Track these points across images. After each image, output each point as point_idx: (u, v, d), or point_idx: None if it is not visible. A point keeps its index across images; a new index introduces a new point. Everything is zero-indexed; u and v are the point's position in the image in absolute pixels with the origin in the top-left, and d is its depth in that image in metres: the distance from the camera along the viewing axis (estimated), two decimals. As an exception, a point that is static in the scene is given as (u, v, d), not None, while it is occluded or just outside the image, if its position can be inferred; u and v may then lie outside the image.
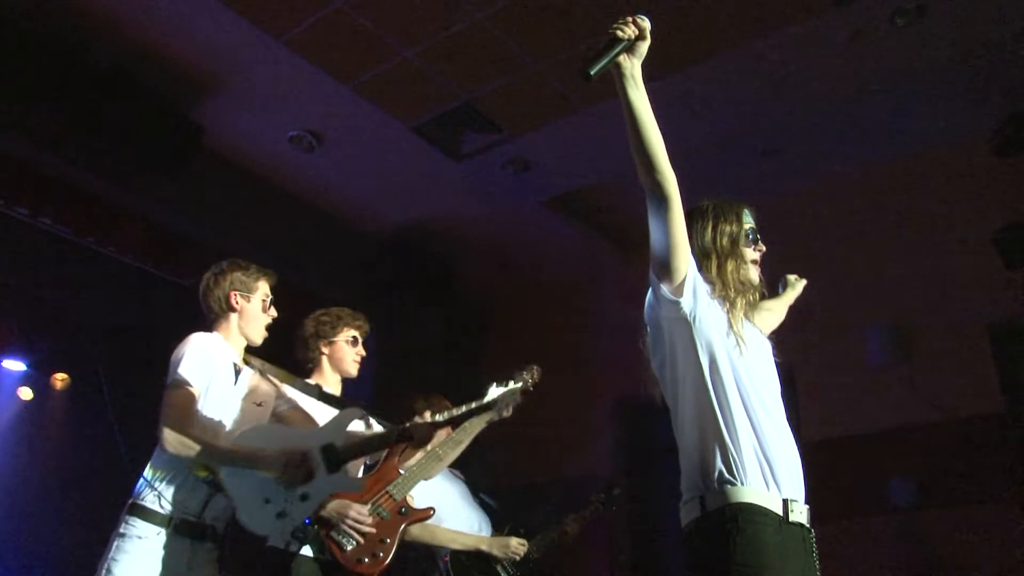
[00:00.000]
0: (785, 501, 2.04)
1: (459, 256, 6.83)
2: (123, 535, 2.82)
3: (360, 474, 3.49)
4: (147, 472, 2.93)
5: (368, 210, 6.35)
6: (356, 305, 6.79)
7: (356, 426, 3.27)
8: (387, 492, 3.36)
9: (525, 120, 5.30)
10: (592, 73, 2.00)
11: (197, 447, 2.79)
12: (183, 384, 2.89)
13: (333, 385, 3.56)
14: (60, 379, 6.95)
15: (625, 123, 2.06)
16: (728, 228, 2.32)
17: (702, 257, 2.28)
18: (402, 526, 3.32)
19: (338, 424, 3.15)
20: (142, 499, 2.87)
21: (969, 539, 4.76)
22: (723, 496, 2.01)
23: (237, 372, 3.13)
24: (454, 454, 3.79)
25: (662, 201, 2.07)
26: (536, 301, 7.19)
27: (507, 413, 3.75)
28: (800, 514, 2.06)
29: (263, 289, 3.28)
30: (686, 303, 2.13)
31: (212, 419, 2.98)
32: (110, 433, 5.32)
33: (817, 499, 4.85)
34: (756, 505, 2.00)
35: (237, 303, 3.22)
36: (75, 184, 5.44)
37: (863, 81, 4.85)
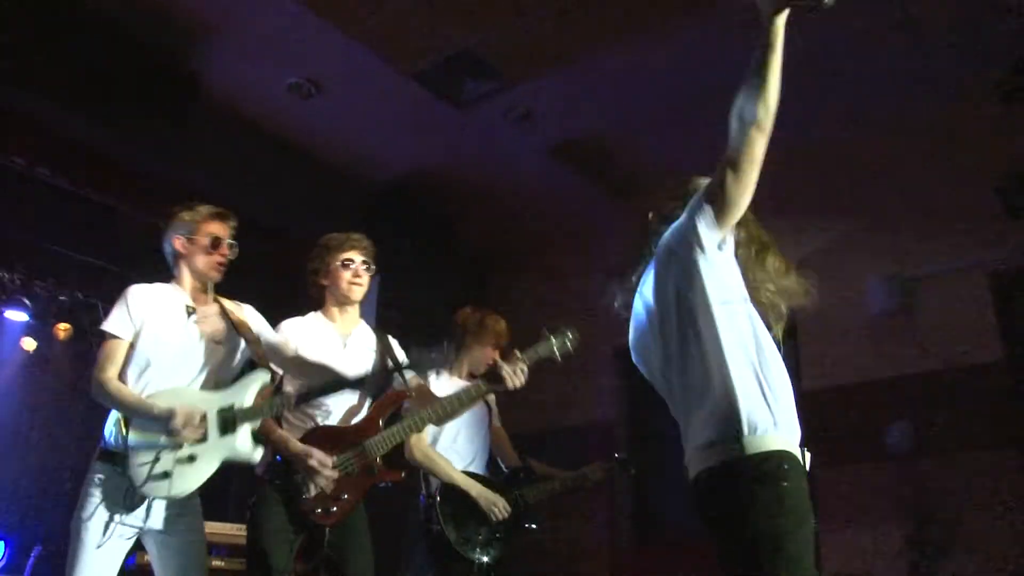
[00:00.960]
0: (802, 448, 2.07)
1: (460, 206, 6.82)
2: (88, 479, 2.96)
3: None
4: (109, 417, 3.07)
5: (368, 159, 6.33)
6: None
7: (257, 386, 3.13)
8: (362, 447, 3.32)
9: (527, 67, 5.27)
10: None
11: (111, 395, 2.94)
12: (107, 335, 3.04)
13: (344, 318, 3.59)
14: (63, 329, 6.99)
15: (760, 63, 2.10)
16: None
17: None
18: (368, 485, 3.31)
19: (243, 386, 3.10)
20: (104, 443, 3.02)
21: (964, 485, 4.85)
22: (763, 441, 1.99)
23: (190, 313, 3.15)
24: (440, 424, 3.72)
25: (764, 143, 2.09)
26: (538, 251, 7.20)
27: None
28: (807, 462, 2.08)
29: (211, 230, 3.24)
30: (728, 242, 2.15)
31: (146, 364, 3.02)
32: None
33: (815, 447, 4.91)
34: (791, 452, 2.01)
35: (184, 248, 3.24)
36: (72, 135, 5.42)
37: (866, 27, 4.80)
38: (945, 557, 4.77)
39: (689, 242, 2.12)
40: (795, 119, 5.55)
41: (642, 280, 2.34)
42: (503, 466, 4.33)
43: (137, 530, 2.95)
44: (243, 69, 5.33)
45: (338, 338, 3.55)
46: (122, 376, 3.00)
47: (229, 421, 2.97)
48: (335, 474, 3.20)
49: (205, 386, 3.11)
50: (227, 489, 4.09)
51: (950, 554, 4.76)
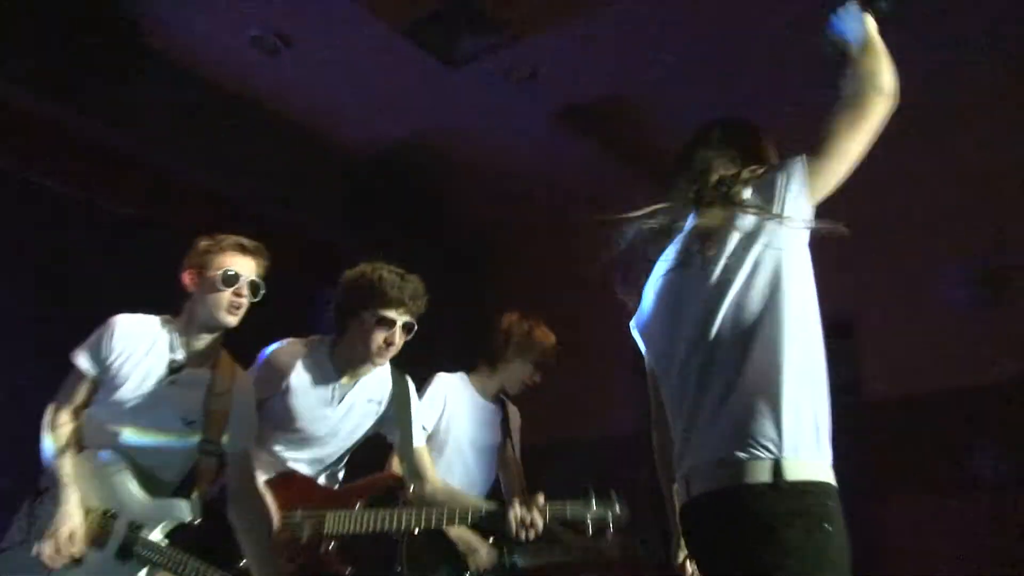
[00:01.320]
0: None
1: (455, 178, 6.82)
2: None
3: None
4: None
5: (347, 126, 6.29)
6: (335, 239, 6.81)
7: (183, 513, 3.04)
8: (327, 515, 3.27)
9: (530, 21, 5.19)
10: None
11: (43, 428, 3.02)
12: (74, 364, 3.07)
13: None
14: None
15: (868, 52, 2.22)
16: None
17: None
18: (308, 560, 3.22)
19: (163, 508, 3.00)
20: None
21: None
22: (808, 468, 1.94)
23: (173, 371, 3.09)
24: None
25: (882, 119, 2.16)
26: (543, 230, 7.13)
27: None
28: None
29: (228, 263, 3.14)
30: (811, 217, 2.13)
31: (104, 417, 3.04)
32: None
33: (879, 471, 4.80)
34: (836, 488, 1.95)
35: (192, 282, 3.17)
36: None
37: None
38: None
39: (780, 218, 2.09)
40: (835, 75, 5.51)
41: (672, 252, 2.28)
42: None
43: None
44: (195, 17, 5.19)
45: (333, 393, 3.47)
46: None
47: (127, 547, 2.88)
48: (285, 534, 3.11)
49: (160, 471, 3.05)
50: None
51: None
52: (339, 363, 3.47)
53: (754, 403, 1.96)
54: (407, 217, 6.67)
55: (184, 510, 2.99)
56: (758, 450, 1.92)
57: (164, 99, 5.53)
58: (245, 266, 3.16)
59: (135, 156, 5.80)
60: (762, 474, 1.90)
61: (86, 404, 3.08)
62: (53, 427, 3.02)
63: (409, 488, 3.41)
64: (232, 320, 3.12)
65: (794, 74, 5.40)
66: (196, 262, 3.15)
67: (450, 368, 4.29)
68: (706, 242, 2.16)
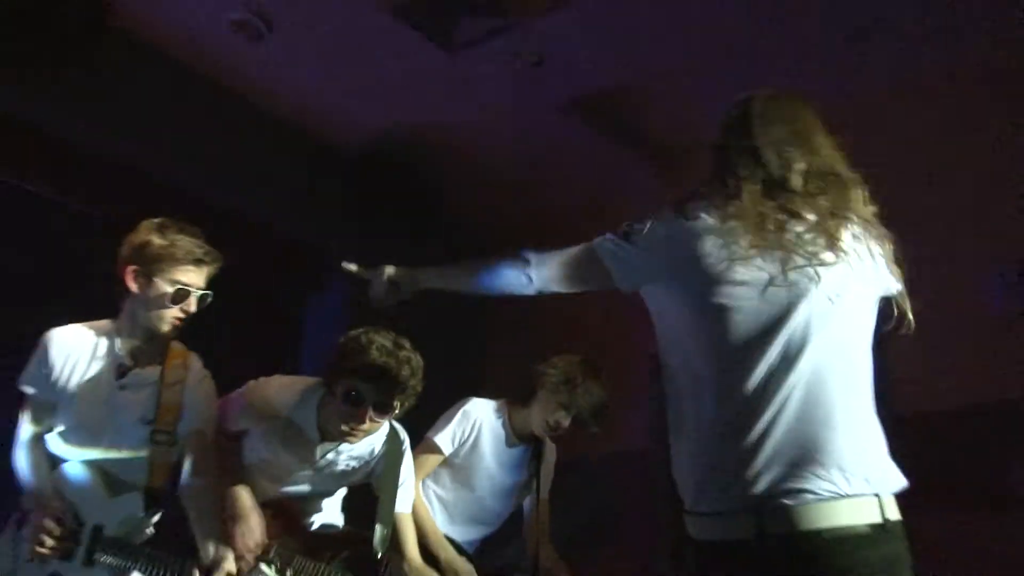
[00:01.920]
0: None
1: (454, 174, 6.83)
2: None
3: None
4: None
5: (335, 116, 6.32)
6: (325, 239, 6.81)
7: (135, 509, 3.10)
8: (295, 557, 3.28)
9: (538, 1, 5.19)
10: None
11: (18, 461, 3.08)
12: (23, 389, 3.13)
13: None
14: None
15: None
16: None
17: None
18: None
19: (117, 504, 3.06)
20: None
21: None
22: (896, 508, 1.99)
23: (121, 374, 3.11)
24: None
25: None
26: (550, 230, 7.09)
27: None
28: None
29: (180, 277, 3.09)
30: None
31: (66, 430, 3.10)
32: None
33: (911, 489, 4.77)
34: None
35: (136, 285, 3.11)
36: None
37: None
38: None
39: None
40: (890, 59, 5.51)
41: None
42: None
43: None
44: (172, -1, 5.21)
45: (314, 450, 3.42)
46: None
47: (90, 553, 2.93)
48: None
49: (127, 474, 3.09)
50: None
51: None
52: (322, 425, 3.37)
53: (868, 435, 2.06)
54: (402, 213, 6.65)
55: (136, 504, 3.04)
56: (864, 485, 1.95)
57: (133, 86, 5.54)
58: (197, 279, 3.13)
59: (101, 150, 5.79)
60: (870, 511, 1.94)
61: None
62: (25, 451, 3.07)
63: (382, 561, 3.35)
64: (171, 331, 3.14)
65: (800, 61, 5.48)
66: (144, 265, 3.09)
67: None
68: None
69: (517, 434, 4.19)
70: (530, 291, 2.42)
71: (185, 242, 3.12)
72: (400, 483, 3.51)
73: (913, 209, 5.24)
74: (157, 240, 3.10)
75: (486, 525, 4.29)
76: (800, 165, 2.16)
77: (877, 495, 1.94)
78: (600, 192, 6.70)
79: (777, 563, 1.92)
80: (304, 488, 3.44)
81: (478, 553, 4.24)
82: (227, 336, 4.71)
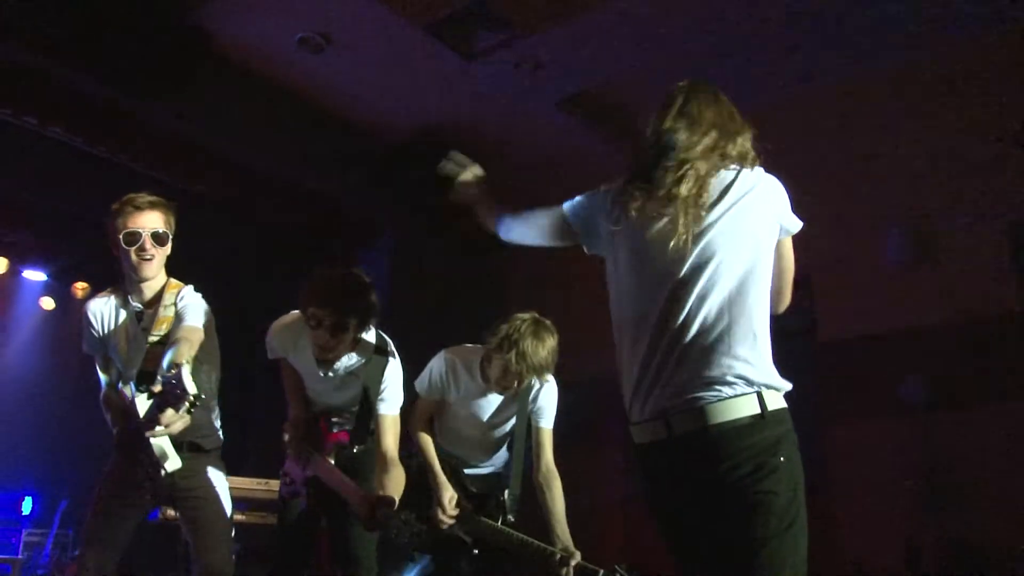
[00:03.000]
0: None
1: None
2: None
3: None
4: None
5: (380, 114, 6.28)
6: (369, 211, 6.88)
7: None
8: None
9: (538, 17, 5.17)
10: None
11: (106, 414, 3.13)
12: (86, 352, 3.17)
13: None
14: (80, 288, 7.05)
15: None
16: None
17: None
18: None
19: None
20: None
21: (981, 439, 4.80)
22: (778, 398, 1.96)
23: (140, 318, 3.02)
24: None
25: None
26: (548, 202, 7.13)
27: None
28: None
29: (125, 224, 2.92)
30: None
31: (118, 377, 3.08)
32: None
33: (829, 400, 4.88)
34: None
35: (113, 249, 3.01)
36: (83, 92, 5.40)
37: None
38: (960, 513, 4.73)
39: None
40: (803, 64, 5.53)
41: None
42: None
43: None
44: (251, 23, 5.26)
45: (317, 368, 3.31)
46: None
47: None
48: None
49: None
50: (245, 445, 4.13)
51: (965, 510, 4.72)
52: (313, 348, 3.26)
53: (750, 340, 1.97)
54: (430, 198, 6.67)
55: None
56: (743, 383, 1.93)
57: (225, 95, 5.62)
58: (144, 221, 2.92)
59: (204, 144, 5.88)
60: (749, 404, 1.91)
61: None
62: (106, 408, 3.12)
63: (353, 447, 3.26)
64: (147, 271, 2.96)
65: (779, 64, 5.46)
66: (112, 233, 2.96)
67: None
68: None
69: (492, 382, 3.46)
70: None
71: (128, 198, 2.97)
72: (382, 388, 3.24)
73: (834, 183, 5.39)
74: (114, 208, 2.97)
75: (471, 463, 3.72)
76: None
77: (758, 392, 1.92)
78: (597, 175, 6.69)
79: (683, 455, 1.95)
80: (331, 398, 3.37)
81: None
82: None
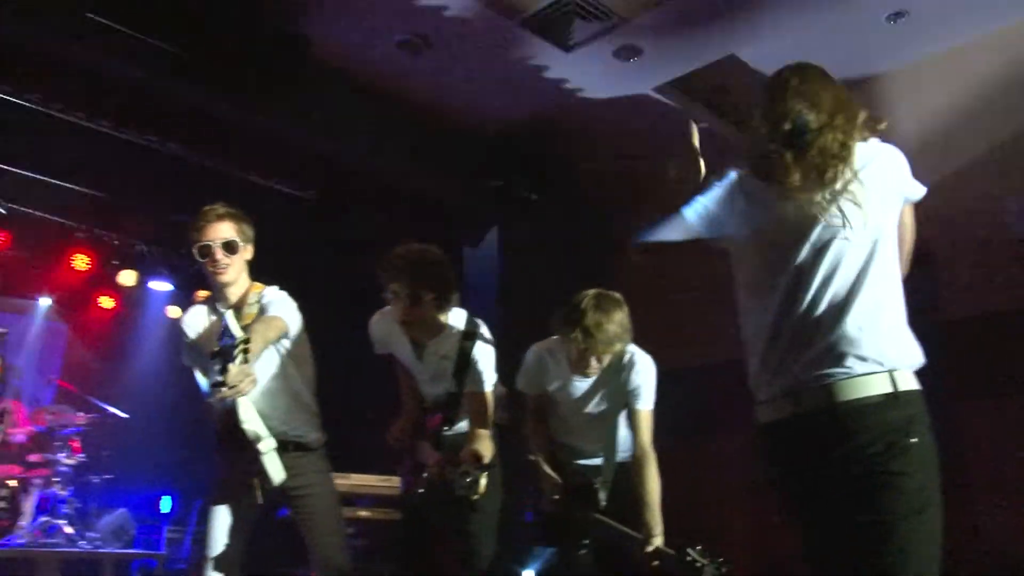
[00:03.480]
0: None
1: (576, 150, 6.73)
2: None
3: None
4: None
5: (481, 109, 6.32)
6: (474, 209, 6.94)
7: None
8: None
9: (634, 4, 5.12)
10: None
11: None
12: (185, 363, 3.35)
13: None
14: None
15: None
16: None
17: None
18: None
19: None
20: None
21: None
22: (911, 377, 1.95)
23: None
24: None
25: None
26: (654, 187, 7.03)
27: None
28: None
29: (199, 238, 3.07)
30: None
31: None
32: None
33: (958, 380, 4.68)
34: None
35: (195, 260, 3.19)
36: (193, 105, 5.62)
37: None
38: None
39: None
40: (927, 33, 5.31)
41: None
42: None
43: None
44: (352, 28, 5.37)
45: (411, 352, 3.42)
46: None
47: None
48: None
49: (263, 398, 3.08)
50: (365, 442, 4.22)
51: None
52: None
53: (884, 317, 1.97)
54: (537, 188, 6.68)
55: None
56: (875, 362, 1.92)
57: (328, 98, 5.77)
58: (215, 233, 3.06)
59: (309, 148, 6.04)
60: (882, 383, 1.90)
61: None
62: (208, 415, 3.24)
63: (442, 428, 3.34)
64: (223, 277, 3.09)
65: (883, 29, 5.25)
66: (189, 242, 3.11)
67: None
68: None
69: (573, 366, 3.44)
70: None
71: (202, 212, 3.11)
72: (471, 368, 3.27)
73: (954, 153, 5.16)
74: (191, 222, 3.12)
75: (586, 451, 3.65)
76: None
77: (890, 371, 1.91)
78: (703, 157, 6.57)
79: (810, 433, 1.94)
80: (433, 386, 3.43)
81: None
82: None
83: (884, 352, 1.92)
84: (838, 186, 2.00)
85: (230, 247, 3.07)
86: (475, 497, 2.92)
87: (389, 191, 6.61)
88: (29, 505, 6.81)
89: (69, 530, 6.63)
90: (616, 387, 3.49)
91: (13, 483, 6.51)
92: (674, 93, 6.02)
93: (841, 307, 1.95)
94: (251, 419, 2.98)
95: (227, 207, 3.13)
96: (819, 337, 1.95)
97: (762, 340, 2.06)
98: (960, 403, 4.93)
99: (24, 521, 6.63)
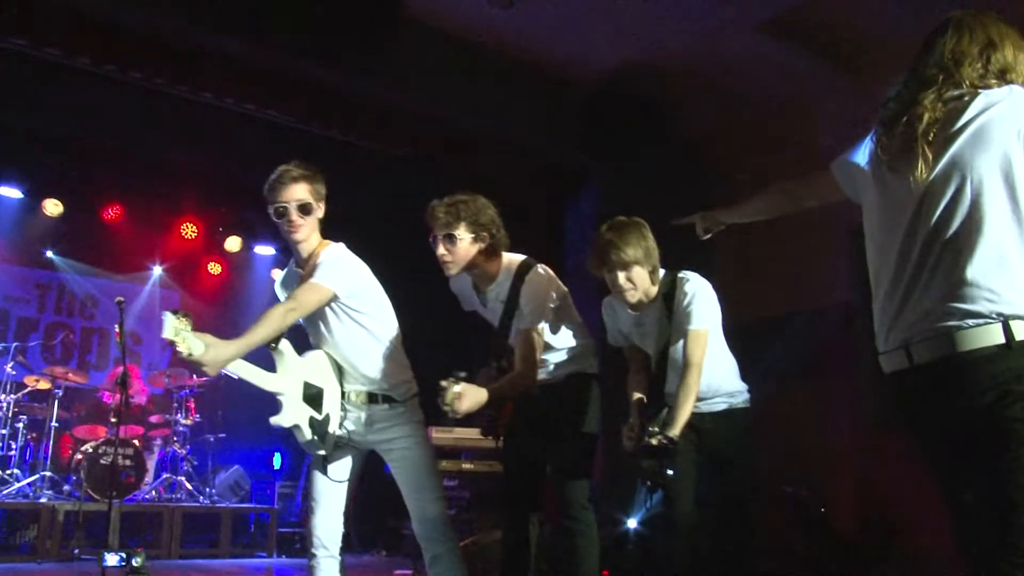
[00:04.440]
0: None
1: (672, 93, 6.57)
2: None
3: None
4: None
5: (574, 60, 6.27)
6: (573, 161, 6.90)
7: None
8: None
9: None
10: None
11: None
12: None
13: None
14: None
15: None
16: None
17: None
18: None
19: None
20: None
21: None
22: None
23: (299, 277, 3.15)
24: None
25: None
26: (758, 133, 6.86)
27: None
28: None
29: (275, 199, 3.06)
30: None
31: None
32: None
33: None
34: None
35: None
36: (286, 70, 5.71)
37: None
38: None
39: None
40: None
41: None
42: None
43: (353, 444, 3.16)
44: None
45: (473, 298, 3.46)
46: None
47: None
48: None
49: (342, 355, 3.15)
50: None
51: None
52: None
53: (994, 259, 1.90)
54: (634, 133, 6.57)
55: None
56: (986, 309, 1.87)
57: (420, 56, 5.78)
58: (290, 194, 3.05)
59: (403, 107, 6.09)
60: (994, 333, 1.86)
61: None
62: None
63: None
64: (297, 237, 3.09)
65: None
66: (265, 201, 3.11)
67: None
68: None
69: (627, 303, 3.37)
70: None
71: (278, 172, 3.11)
72: (520, 307, 3.24)
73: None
74: (267, 184, 3.12)
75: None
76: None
77: (1004, 321, 1.84)
78: (798, 99, 6.37)
79: (925, 384, 1.95)
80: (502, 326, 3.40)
81: None
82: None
83: (997, 302, 1.87)
84: (954, 136, 1.95)
85: (305, 209, 3.08)
86: (446, 408, 2.83)
87: (485, 146, 6.62)
88: (152, 463, 7.22)
89: (189, 486, 7.01)
90: (664, 316, 3.38)
91: (137, 443, 6.86)
92: (777, 32, 5.80)
93: (953, 259, 1.92)
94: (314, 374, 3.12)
95: (302, 167, 3.14)
96: (932, 289, 1.94)
97: (882, 293, 2.07)
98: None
99: (148, 478, 7.03)
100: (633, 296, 3.30)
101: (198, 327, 2.51)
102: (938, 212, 1.95)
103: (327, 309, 3.05)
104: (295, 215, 3.05)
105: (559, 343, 3.37)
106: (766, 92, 6.33)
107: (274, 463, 8.06)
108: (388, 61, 5.49)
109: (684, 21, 5.77)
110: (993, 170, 1.92)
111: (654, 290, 3.34)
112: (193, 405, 7.41)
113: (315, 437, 3.04)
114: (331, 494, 3.13)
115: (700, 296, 3.34)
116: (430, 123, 6.30)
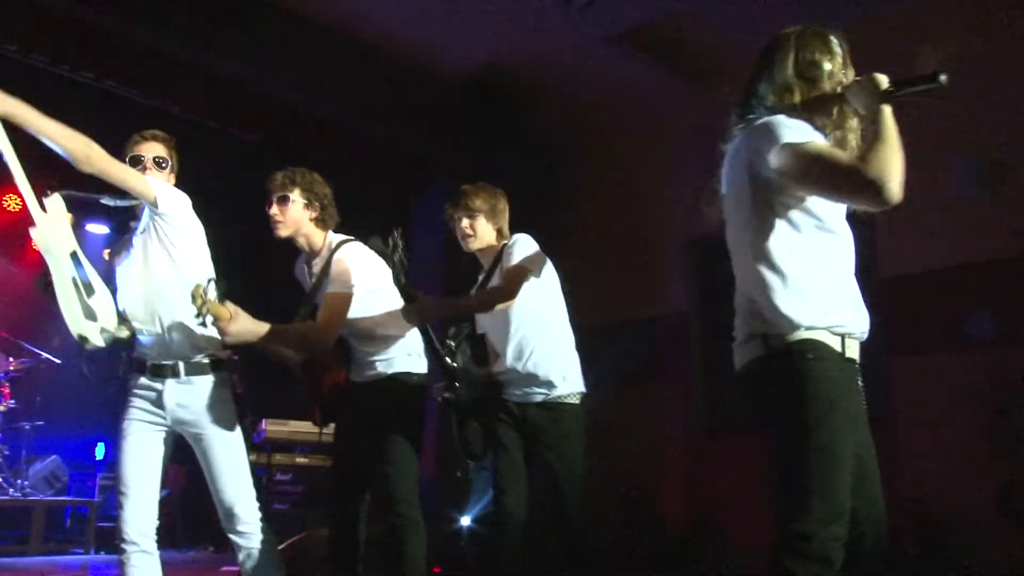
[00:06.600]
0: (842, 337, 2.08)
1: (526, 97, 6.72)
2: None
3: None
4: None
5: (432, 52, 6.27)
6: (422, 149, 6.90)
7: None
8: None
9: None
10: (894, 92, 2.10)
11: None
12: None
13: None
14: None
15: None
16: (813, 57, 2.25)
17: (784, 91, 2.21)
18: None
19: None
20: None
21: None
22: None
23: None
24: None
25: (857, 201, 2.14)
26: (607, 141, 7.08)
27: None
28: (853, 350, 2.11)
29: (131, 151, 3.15)
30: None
31: None
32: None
33: (893, 335, 4.81)
34: (819, 342, 2.05)
35: None
36: (138, 42, 5.47)
37: None
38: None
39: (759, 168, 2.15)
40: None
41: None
42: None
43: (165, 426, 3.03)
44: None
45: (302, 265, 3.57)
46: None
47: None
48: None
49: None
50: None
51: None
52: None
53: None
54: (485, 129, 6.65)
55: None
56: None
57: (277, 39, 5.65)
58: (146, 149, 3.16)
59: (257, 88, 5.94)
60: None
61: None
62: None
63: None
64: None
65: None
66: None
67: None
68: None
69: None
70: None
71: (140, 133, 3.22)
72: (329, 276, 3.29)
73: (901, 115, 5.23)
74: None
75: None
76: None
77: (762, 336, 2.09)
78: (652, 109, 6.60)
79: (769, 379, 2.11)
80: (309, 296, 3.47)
81: None
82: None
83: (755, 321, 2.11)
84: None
85: (159, 163, 3.16)
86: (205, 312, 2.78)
87: (332, 133, 6.53)
88: (-43, 451, 6.70)
89: (-1, 477, 6.54)
90: (502, 266, 3.46)
91: (-59, 429, 6.36)
92: (630, 44, 6.01)
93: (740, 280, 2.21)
94: None
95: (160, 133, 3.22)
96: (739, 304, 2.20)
97: None
98: (894, 357, 5.17)
99: (-48, 467, 6.52)
100: (472, 243, 3.51)
101: (18, 306, 2.40)
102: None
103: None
104: (151, 166, 3.14)
105: (383, 331, 3.37)
106: (617, 101, 6.54)
107: (96, 453, 7.65)
108: (241, 39, 5.34)
109: (541, 30, 5.89)
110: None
111: (495, 247, 3.49)
112: (7, 390, 6.92)
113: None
114: (142, 483, 2.97)
115: (520, 243, 3.40)
116: (280, 105, 6.16)
